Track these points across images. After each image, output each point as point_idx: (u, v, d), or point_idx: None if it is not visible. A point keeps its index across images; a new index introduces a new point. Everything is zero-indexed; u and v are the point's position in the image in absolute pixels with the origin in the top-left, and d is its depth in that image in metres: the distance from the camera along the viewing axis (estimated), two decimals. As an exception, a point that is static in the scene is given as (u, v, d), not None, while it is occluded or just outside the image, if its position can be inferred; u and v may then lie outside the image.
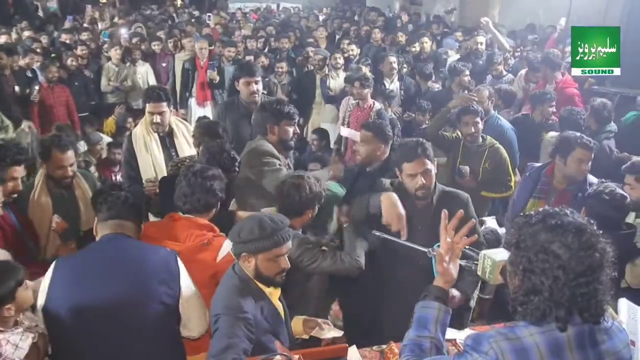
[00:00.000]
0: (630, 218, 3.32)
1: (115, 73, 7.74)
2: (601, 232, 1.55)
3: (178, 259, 2.41)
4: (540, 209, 1.61)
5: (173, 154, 3.92)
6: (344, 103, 5.87)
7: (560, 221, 1.53)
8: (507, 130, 4.79)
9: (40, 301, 2.26)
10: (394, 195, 2.82)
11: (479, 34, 7.68)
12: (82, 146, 5.79)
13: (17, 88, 6.46)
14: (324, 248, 2.80)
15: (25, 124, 5.71)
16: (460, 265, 1.99)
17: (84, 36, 9.10)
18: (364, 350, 2.52)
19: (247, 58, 7.55)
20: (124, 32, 9.70)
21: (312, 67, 7.46)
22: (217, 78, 7.30)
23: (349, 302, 3.26)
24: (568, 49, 6.31)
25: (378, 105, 5.52)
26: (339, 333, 2.55)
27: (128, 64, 7.85)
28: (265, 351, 2.17)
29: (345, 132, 5.52)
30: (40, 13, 13.39)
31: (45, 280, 2.27)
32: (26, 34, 9.27)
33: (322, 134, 5.98)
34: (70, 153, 3.38)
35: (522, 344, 1.52)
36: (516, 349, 1.51)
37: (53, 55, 7.93)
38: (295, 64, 8.03)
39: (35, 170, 3.62)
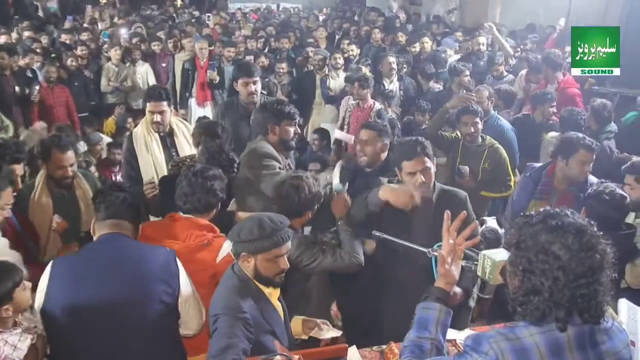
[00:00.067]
0: (630, 218, 3.32)
1: (115, 73, 7.74)
2: (602, 233, 1.55)
3: (176, 257, 2.40)
4: (541, 209, 1.61)
5: (174, 153, 3.92)
6: (344, 103, 5.87)
7: (560, 222, 1.52)
8: (507, 131, 4.79)
9: (39, 302, 2.25)
10: (390, 185, 2.82)
11: (481, 34, 7.67)
12: (82, 146, 5.79)
13: (17, 88, 6.47)
14: (323, 247, 2.80)
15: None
16: (460, 265, 1.99)
17: (84, 36, 9.10)
18: (363, 350, 2.51)
19: (247, 58, 7.55)
20: (123, 33, 9.70)
21: (312, 67, 7.46)
22: (217, 78, 7.30)
23: (349, 302, 3.25)
24: (568, 48, 6.31)
25: (378, 106, 5.52)
26: (337, 333, 2.55)
27: (128, 64, 7.85)
28: (265, 351, 2.17)
29: (338, 134, 5.52)
30: (40, 13, 13.40)
31: (43, 281, 2.27)
32: (26, 34, 9.26)
33: (323, 133, 5.99)
34: (70, 153, 3.39)
35: (522, 344, 1.51)
36: (516, 349, 1.51)
37: (53, 55, 7.94)
38: (295, 64, 8.03)
39: (39, 170, 3.62)
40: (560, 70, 5.96)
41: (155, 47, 8.39)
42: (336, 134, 5.57)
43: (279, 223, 2.27)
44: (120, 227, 2.40)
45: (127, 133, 5.22)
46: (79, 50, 7.84)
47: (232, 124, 4.12)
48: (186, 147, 3.93)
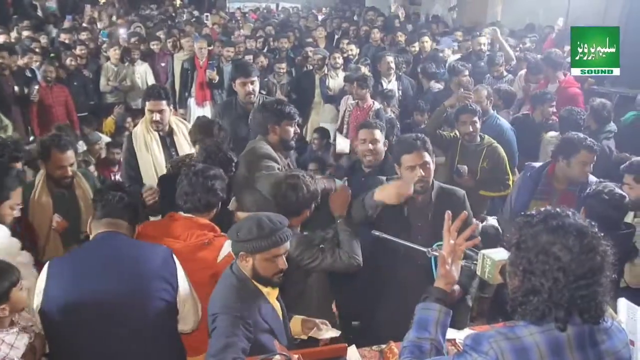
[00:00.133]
0: (629, 218, 3.32)
1: (114, 73, 7.72)
2: (602, 234, 1.54)
3: (174, 255, 2.40)
4: (542, 209, 1.60)
5: (173, 153, 3.92)
6: (343, 102, 5.88)
7: (561, 223, 1.52)
8: (506, 130, 4.79)
9: (37, 301, 2.25)
10: (382, 185, 2.84)
11: (481, 34, 7.66)
12: (81, 146, 5.78)
13: (16, 88, 6.46)
14: (322, 246, 2.80)
15: None
16: (460, 265, 1.99)
17: (83, 36, 9.07)
18: (363, 350, 2.51)
19: (247, 58, 7.55)
20: (122, 32, 9.70)
21: (311, 67, 7.46)
22: (217, 78, 7.29)
23: (349, 302, 3.25)
24: (567, 48, 6.31)
25: (377, 105, 5.52)
26: (336, 333, 2.55)
27: (127, 63, 7.83)
28: (264, 351, 2.17)
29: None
30: (40, 13, 13.37)
31: (41, 281, 2.26)
32: (25, 33, 9.25)
33: (323, 133, 5.99)
34: (69, 153, 3.39)
35: (522, 344, 1.51)
36: (516, 349, 1.51)
37: (52, 55, 7.93)
38: (295, 64, 8.02)
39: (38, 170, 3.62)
40: (561, 69, 5.96)
41: (155, 46, 8.37)
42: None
43: (278, 223, 2.27)
44: (116, 226, 2.40)
45: (127, 133, 5.22)
46: (78, 50, 7.83)
47: (230, 123, 4.12)
48: (186, 147, 3.93)
